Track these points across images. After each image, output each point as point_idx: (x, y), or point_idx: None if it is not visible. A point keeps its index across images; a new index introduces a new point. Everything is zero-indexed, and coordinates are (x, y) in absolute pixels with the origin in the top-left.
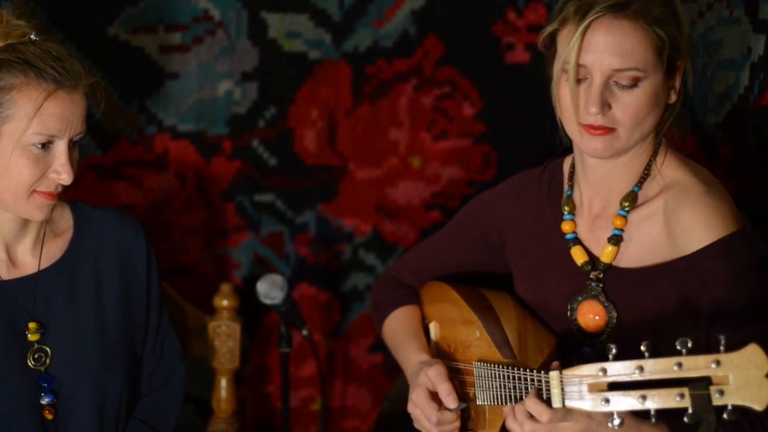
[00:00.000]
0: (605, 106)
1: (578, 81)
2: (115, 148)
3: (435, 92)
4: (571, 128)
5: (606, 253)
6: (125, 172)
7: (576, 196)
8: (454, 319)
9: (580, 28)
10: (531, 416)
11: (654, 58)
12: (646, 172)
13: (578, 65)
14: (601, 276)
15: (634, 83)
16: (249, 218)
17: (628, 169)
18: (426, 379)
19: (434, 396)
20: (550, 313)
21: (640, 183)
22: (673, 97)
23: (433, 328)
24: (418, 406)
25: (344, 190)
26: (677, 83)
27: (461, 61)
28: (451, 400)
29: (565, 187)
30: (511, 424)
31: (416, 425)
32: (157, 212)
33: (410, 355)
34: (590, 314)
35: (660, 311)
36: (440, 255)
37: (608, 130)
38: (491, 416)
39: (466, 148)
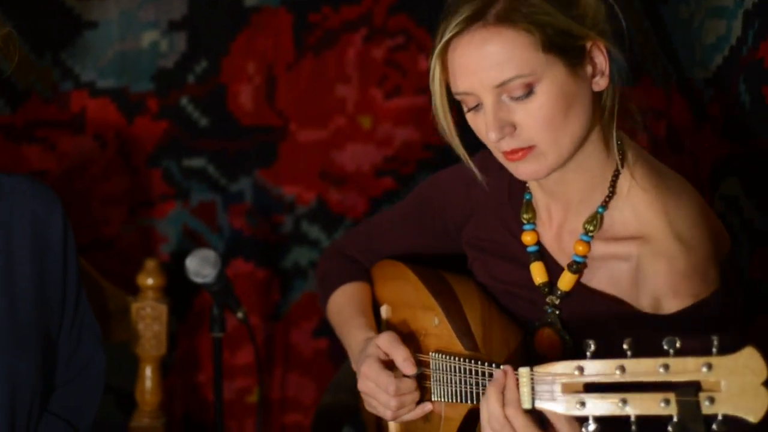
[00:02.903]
0: (507, 126)
1: (475, 108)
2: (26, 107)
3: (387, 43)
4: (497, 156)
5: (564, 280)
6: (37, 134)
7: (535, 201)
8: (409, 303)
9: (435, 53)
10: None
11: (540, 55)
12: (611, 189)
13: (462, 93)
14: (557, 302)
15: (529, 91)
16: (177, 186)
17: (581, 175)
18: (376, 349)
19: (388, 365)
20: (514, 314)
21: (606, 203)
22: (602, 83)
23: (385, 312)
24: (371, 378)
25: (284, 154)
26: (601, 66)
27: (416, 8)
28: (409, 366)
29: (524, 188)
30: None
31: (368, 405)
32: (73, 179)
33: (356, 333)
34: (547, 343)
35: (621, 343)
36: (391, 236)
37: (527, 150)
38: (448, 414)
39: (423, 107)
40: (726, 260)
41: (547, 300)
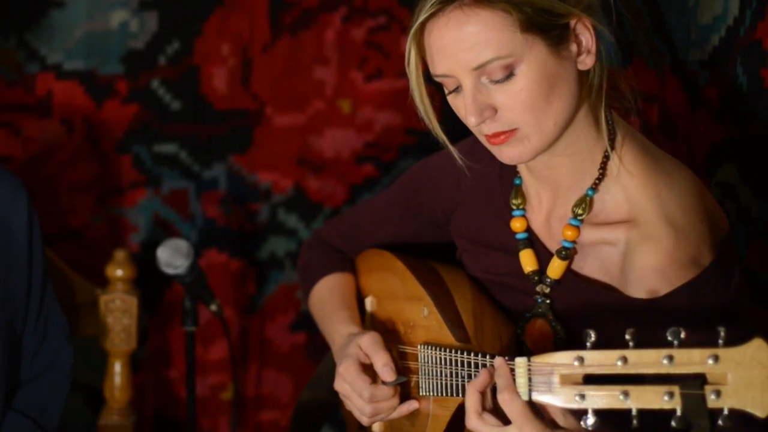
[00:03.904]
0: (486, 110)
1: (455, 90)
2: None
3: (368, 23)
4: (481, 140)
5: (554, 267)
6: (1, 118)
7: (525, 186)
8: (396, 293)
9: (411, 35)
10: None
11: (519, 36)
12: (602, 171)
13: (441, 76)
14: (547, 291)
15: (509, 73)
16: (148, 173)
17: (570, 158)
18: (357, 350)
19: (367, 368)
20: (506, 307)
21: (595, 185)
22: (588, 62)
23: (370, 305)
24: (348, 381)
25: (260, 140)
26: (587, 43)
27: None
28: (388, 372)
29: (515, 173)
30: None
31: (347, 405)
32: (38, 166)
33: (339, 328)
34: (538, 334)
35: (616, 333)
36: (376, 224)
37: (509, 133)
38: (436, 410)
39: (405, 90)
40: (722, 243)
41: (537, 289)
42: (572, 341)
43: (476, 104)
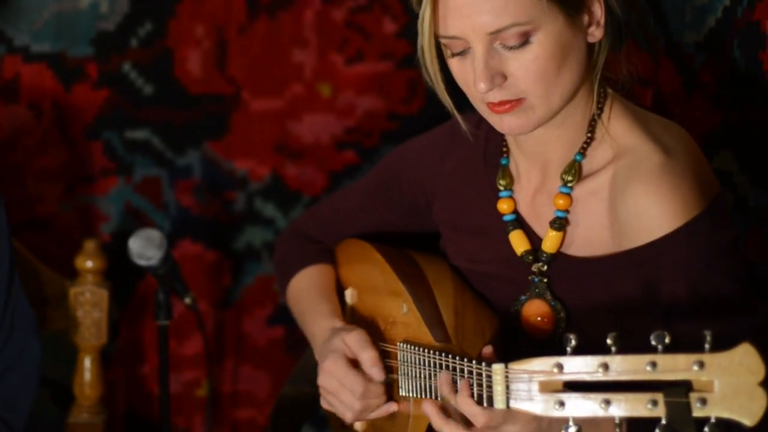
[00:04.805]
0: (497, 77)
1: (460, 54)
2: None
3: (348, 4)
4: (478, 107)
5: (549, 241)
6: None
7: (512, 165)
8: (376, 287)
9: None
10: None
11: (540, 3)
12: (590, 135)
13: (450, 37)
14: (545, 269)
15: (525, 40)
16: (119, 160)
17: (564, 132)
18: (343, 345)
19: (354, 364)
20: (490, 299)
21: (583, 150)
22: (597, 34)
23: (350, 297)
24: (336, 377)
25: (236, 125)
26: (597, 15)
27: None
28: (377, 372)
29: (501, 153)
30: (438, 424)
31: (327, 403)
32: (5, 152)
33: (321, 321)
34: (536, 316)
35: (617, 308)
36: (355, 213)
37: (515, 103)
38: (417, 410)
39: (387, 73)
40: (714, 201)
41: (533, 269)
42: (574, 324)
43: (488, 70)
